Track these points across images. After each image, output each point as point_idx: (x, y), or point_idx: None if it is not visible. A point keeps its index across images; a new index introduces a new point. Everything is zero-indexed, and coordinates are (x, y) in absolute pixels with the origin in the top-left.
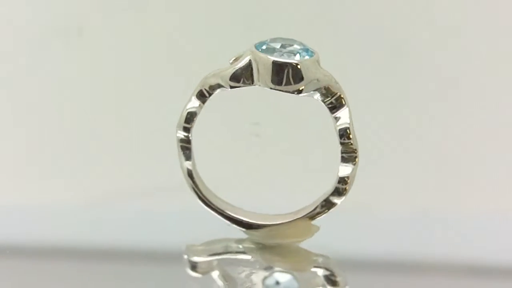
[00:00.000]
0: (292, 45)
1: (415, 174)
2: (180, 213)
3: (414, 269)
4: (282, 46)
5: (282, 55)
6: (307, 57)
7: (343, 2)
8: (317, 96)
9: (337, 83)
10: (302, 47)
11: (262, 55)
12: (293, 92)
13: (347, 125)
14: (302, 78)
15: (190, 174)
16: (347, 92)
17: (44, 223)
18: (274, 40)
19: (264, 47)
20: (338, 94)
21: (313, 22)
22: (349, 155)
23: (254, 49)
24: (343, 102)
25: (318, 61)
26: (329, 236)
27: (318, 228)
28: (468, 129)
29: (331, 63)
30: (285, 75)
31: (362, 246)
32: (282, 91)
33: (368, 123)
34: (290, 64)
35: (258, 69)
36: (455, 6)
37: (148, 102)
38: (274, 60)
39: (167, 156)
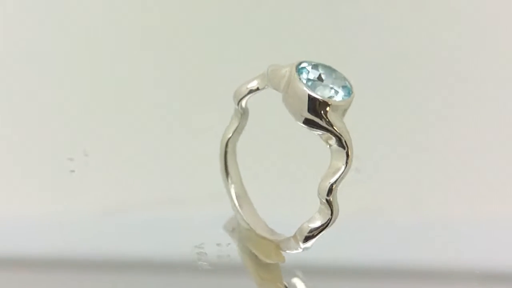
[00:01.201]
0: (334, 78)
1: (421, 179)
2: (187, 222)
3: (419, 276)
4: (322, 77)
5: (317, 86)
6: (342, 96)
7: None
8: (324, 137)
9: (351, 139)
10: (341, 84)
11: (298, 81)
12: (304, 122)
13: (336, 182)
14: (324, 117)
15: (226, 142)
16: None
17: (52, 234)
18: (317, 66)
19: (303, 68)
20: (347, 150)
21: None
22: (326, 212)
23: (294, 69)
24: (348, 161)
25: (349, 105)
26: (332, 243)
27: (283, 260)
28: (479, 134)
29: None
30: (309, 107)
31: (366, 253)
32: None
33: (370, 127)
34: (318, 100)
35: (286, 85)
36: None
37: (159, 110)
38: (307, 92)
39: (177, 166)
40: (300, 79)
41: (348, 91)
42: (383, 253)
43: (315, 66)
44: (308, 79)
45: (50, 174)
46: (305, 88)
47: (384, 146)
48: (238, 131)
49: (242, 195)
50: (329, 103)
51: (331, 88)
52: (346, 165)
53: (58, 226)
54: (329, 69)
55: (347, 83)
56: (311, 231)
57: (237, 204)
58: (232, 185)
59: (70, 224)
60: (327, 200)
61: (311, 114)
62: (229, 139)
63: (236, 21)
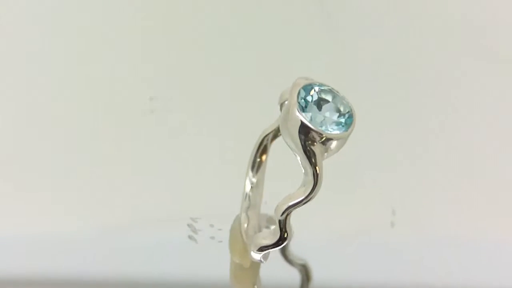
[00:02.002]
0: (339, 107)
1: (422, 196)
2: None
3: None
4: (325, 104)
5: (313, 113)
6: (338, 129)
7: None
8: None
9: (322, 178)
10: (342, 115)
11: (295, 103)
12: (288, 144)
13: (293, 206)
14: (307, 147)
15: (263, 138)
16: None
17: (56, 254)
18: (324, 92)
19: (309, 90)
20: (314, 185)
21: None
22: (277, 233)
23: (297, 89)
24: (311, 195)
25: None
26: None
27: (245, 263)
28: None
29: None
30: (299, 131)
31: (363, 273)
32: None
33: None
34: (308, 128)
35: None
36: None
37: (162, 129)
38: (299, 118)
39: (180, 185)
40: (298, 101)
41: (347, 124)
42: (381, 274)
43: (322, 92)
44: (308, 103)
45: (50, 194)
46: (297, 114)
47: (384, 159)
48: (276, 132)
49: (256, 192)
50: (321, 134)
51: (330, 119)
52: (307, 197)
53: (59, 246)
54: (336, 97)
55: (348, 115)
56: (262, 245)
57: (247, 196)
58: (252, 179)
59: (71, 244)
60: (279, 221)
61: (298, 139)
62: (266, 136)
63: (238, 24)
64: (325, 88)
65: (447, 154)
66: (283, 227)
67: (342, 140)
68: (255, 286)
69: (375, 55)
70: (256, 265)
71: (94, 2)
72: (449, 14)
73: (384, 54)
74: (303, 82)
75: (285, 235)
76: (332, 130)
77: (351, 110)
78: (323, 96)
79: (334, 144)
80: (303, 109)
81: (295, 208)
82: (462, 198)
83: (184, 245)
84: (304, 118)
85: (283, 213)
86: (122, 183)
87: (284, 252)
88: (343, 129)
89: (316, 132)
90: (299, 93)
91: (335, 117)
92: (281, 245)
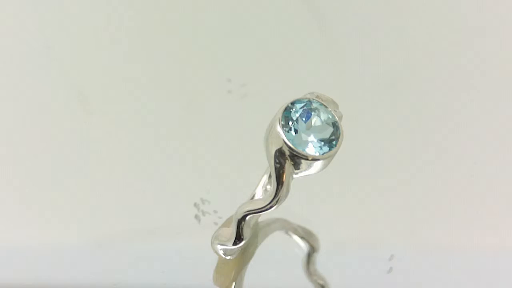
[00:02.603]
0: (324, 125)
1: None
2: (185, 253)
3: None
4: (313, 122)
5: (296, 131)
6: (320, 150)
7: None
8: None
9: (285, 197)
10: (326, 136)
11: (280, 118)
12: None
13: (251, 212)
14: (280, 164)
15: None
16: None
17: (50, 265)
18: (314, 110)
19: (299, 106)
20: (275, 199)
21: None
22: (233, 234)
23: (284, 105)
24: (268, 206)
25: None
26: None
27: (220, 257)
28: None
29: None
30: (275, 144)
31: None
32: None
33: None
34: (288, 146)
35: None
36: None
37: (158, 141)
38: (281, 137)
39: (173, 196)
40: (283, 114)
41: (329, 149)
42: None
43: (317, 111)
44: (297, 118)
45: (49, 202)
46: (278, 127)
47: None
48: None
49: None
50: (294, 151)
51: (312, 140)
52: (265, 207)
53: (58, 257)
54: (329, 120)
55: (335, 142)
56: (219, 241)
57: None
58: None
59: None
60: (238, 221)
61: (273, 150)
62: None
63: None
64: (321, 108)
65: (453, 163)
66: (240, 229)
67: (318, 162)
68: (234, 283)
69: (375, 58)
70: (237, 262)
71: None
72: (448, 15)
73: (383, 58)
74: (308, 97)
75: (241, 237)
76: (310, 151)
77: (337, 138)
78: (316, 115)
79: (308, 164)
80: (291, 121)
81: (252, 214)
82: (465, 210)
83: (185, 252)
84: (283, 131)
85: (241, 215)
86: (122, 187)
87: (307, 264)
88: (321, 152)
89: (290, 148)
90: (292, 105)
91: (317, 139)
92: (235, 245)
